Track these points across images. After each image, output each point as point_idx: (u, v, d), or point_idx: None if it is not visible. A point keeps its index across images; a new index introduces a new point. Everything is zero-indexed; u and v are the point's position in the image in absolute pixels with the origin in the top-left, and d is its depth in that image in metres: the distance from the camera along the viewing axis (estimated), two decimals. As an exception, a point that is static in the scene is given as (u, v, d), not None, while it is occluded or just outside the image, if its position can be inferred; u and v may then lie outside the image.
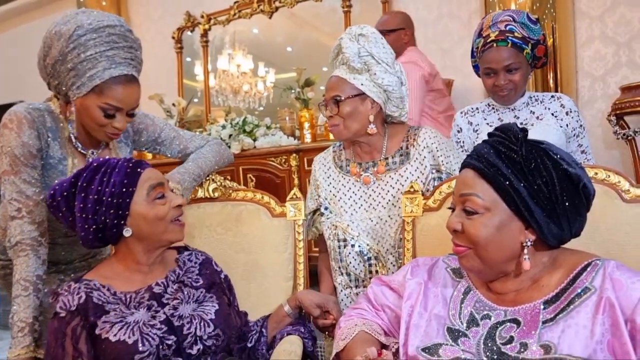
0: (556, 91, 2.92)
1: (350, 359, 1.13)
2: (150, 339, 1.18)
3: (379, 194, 1.65)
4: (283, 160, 3.55)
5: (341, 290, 1.67)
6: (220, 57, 4.53)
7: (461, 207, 1.03)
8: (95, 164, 1.26)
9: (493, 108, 1.96)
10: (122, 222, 1.24)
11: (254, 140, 3.77)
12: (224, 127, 3.93)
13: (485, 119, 1.96)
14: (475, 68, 1.96)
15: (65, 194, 1.24)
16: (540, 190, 0.96)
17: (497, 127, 1.05)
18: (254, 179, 3.66)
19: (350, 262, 1.65)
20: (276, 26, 4.32)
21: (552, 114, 1.86)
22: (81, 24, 1.31)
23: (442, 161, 1.59)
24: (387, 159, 1.65)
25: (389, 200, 1.62)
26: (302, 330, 1.44)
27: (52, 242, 1.49)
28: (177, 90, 4.73)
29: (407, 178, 1.60)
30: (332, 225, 1.67)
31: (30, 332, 1.34)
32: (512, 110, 1.91)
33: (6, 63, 6.17)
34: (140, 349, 1.15)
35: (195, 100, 4.53)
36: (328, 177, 1.74)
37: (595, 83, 3.08)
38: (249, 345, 1.40)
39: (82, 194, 1.22)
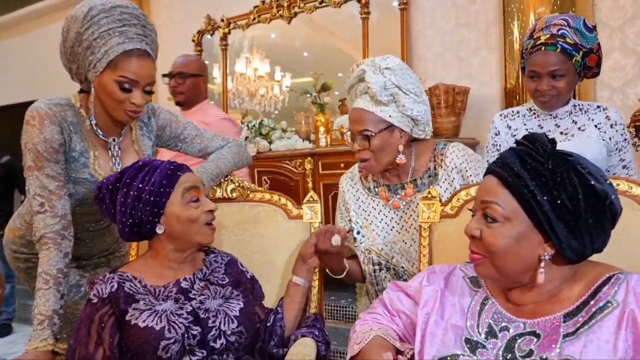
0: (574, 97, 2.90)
1: None
2: (176, 327, 1.22)
3: (410, 215, 1.64)
4: (298, 163, 3.57)
5: None
6: (238, 60, 4.56)
7: (481, 213, 1.02)
8: (141, 163, 1.35)
9: (534, 113, 1.87)
10: (157, 219, 1.31)
11: (270, 142, 3.79)
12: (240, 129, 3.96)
13: (525, 124, 1.88)
14: (523, 70, 1.87)
15: (110, 187, 1.32)
16: (564, 204, 0.93)
17: (525, 135, 1.03)
18: (268, 181, 3.68)
19: (387, 286, 1.65)
20: (294, 31, 4.34)
21: (595, 126, 1.77)
22: (94, 5, 1.37)
23: (472, 180, 1.57)
24: (415, 180, 1.63)
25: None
26: (317, 333, 1.44)
27: (75, 237, 1.51)
28: (195, 92, 4.77)
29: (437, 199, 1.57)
30: (365, 249, 1.67)
31: (49, 326, 1.36)
32: (554, 118, 1.83)
33: (24, 64, 6.28)
34: (167, 335, 1.20)
35: (212, 102, 4.56)
36: (357, 200, 1.72)
37: (614, 94, 3.06)
38: (268, 324, 1.43)
39: (125, 189, 1.29)
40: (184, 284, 1.34)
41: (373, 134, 1.53)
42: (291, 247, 1.64)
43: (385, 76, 1.51)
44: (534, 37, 1.75)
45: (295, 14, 4.22)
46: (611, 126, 1.77)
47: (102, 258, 1.75)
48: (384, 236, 1.66)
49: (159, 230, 1.32)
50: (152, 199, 1.29)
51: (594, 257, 1.02)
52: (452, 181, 1.59)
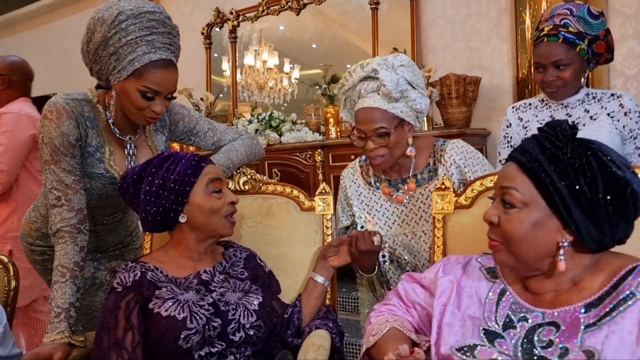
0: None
1: (381, 356, 1.11)
2: (198, 317, 1.23)
3: (411, 209, 1.67)
4: (308, 155, 3.57)
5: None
6: (247, 53, 4.56)
7: (500, 199, 1.02)
8: (166, 154, 1.37)
9: (546, 104, 1.87)
10: (180, 208, 1.33)
11: (280, 135, 3.79)
12: (250, 121, 3.96)
13: (536, 116, 1.89)
14: None
15: (135, 177, 1.34)
16: (582, 190, 0.92)
17: (547, 122, 1.03)
18: (279, 173, 3.68)
19: (391, 277, 1.72)
20: (302, 23, 4.32)
21: (608, 114, 1.76)
22: (123, 9, 1.35)
23: (470, 176, 1.61)
24: (415, 175, 1.66)
25: (421, 216, 1.65)
26: (331, 325, 1.45)
27: (89, 230, 1.52)
28: (205, 85, 4.77)
29: None
30: None
31: (65, 318, 1.37)
32: (565, 107, 1.82)
33: (36, 58, 6.29)
34: (189, 325, 1.21)
35: (221, 95, 4.57)
36: (360, 195, 1.75)
37: (628, 82, 3.02)
38: (285, 316, 1.44)
39: (150, 178, 1.31)
40: (204, 276, 1.35)
41: (391, 131, 1.56)
42: (304, 239, 1.64)
43: (398, 73, 1.53)
44: (539, 28, 1.77)
45: (304, 5, 4.20)
46: (625, 114, 1.75)
47: (116, 251, 1.77)
48: (387, 230, 1.70)
49: (182, 219, 1.33)
50: (176, 187, 1.31)
51: (618, 248, 1.01)
52: (451, 176, 1.63)
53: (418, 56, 3.60)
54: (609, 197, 0.91)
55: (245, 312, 1.31)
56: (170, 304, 1.24)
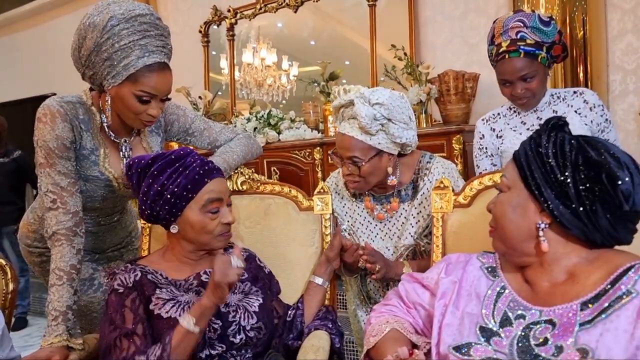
0: (586, 85, 2.86)
1: (381, 358, 1.11)
2: None
3: (394, 224, 1.68)
4: (307, 153, 3.56)
5: (365, 313, 1.76)
6: (245, 51, 4.54)
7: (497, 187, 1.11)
8: (174, 156, 1.31)
9: (515, 111, 1.92)
10: (173, 219, 1.30)
11: (279, 133, 3.78)
12: (249, 120, 3.95)
13: (508, 124, 1.92)
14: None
15: (139, 170, 1.32)
16: (552, 169, 0.97)
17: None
18: (278, 171, 3.67)
19: (371, 289, 1.73)
20: (301, 20, 4.31)
21: (575, 111, 1.81)
22: (114, 14, 1.33)
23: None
24: (399, 192, 1.66)
25: (403, 232, 1.65)
26: (330, 326, 1.45)
27: (86, 231, 1.51)
28: (203, 83, 4.76)
29: (420, 211, 1.62)
30: None
31: (63, 321, 1.36)
32: (535, 111, 1.87)
33: (35, 58, 6.29)
34: None
35: (220, 93, 4.56)
36: (344, 207, 1.75)
37: (627, 77, 3.00)
38: (288, 319, 1.44)
39: (150, 180, 1.29)
40: (204, 277, 1.34)
41: (363, 163, 1.52)
42: (302, 239, 1.63)
43: (375, 109, 1.48)
44: (495, 43, 1.78)
45: (302, 2, 4.18)
46: (590, 109, 1.80)
47: (115, 252, 1.76)
48: (370, 241, 1.69)
49: (173, 229, 1.32)
50: (172, 200, 1.27)
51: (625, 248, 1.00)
52: (429, 197, 1.61)
53: (416, 53, 3.59)
54: (579, 178, 0.95)
55: (246, 314, 1.30)
56: (171, 305, 1.23)
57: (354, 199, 1.74)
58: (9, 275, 1.64)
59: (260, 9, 4.41)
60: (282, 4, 4.27)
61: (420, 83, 3.19)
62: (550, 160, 0.98)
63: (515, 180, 1.04)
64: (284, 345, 1.40)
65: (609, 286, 0.94)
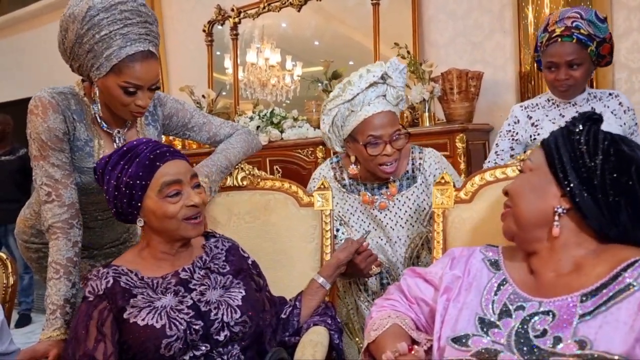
0: (591, 83, 2.84)
1: (380, 353, 1.10)
2: (177, 323, 1.18)
3: (386, 215, 1.68)
4: (309, 152, 3.55)
5: (362, 303, 1.75)
6: (249, 50, 4.54)
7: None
8: (124, 149, 1.27)
9: (554, 103, 1.96)
10: (136, 212, 1.25)
11: (281, 132, 3.77)
12: (251, 118, 3.95)
13: (547, 115, 1.96)
14: (538, 63, 1.97)
15: (101, 170, 1.28)
16: (581, 155, 0.98)
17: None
18: (280, 170, 3.66)
19: (368, 279, 1.72)
20: (304, 20, 4.30)
21: (612, 112, 1.87)
22: (93, 4, 1.30)
23: None
24: (395, 181, 1.67)
25: (397, 222, 1.65)
26: (329, 322, 1.43)
27: (84, 226, 1.51)
28: (207, 82, 4.76)
29: (414, 201, 1.64)
30: None
31: (61, 315, 1.36)
32: (574, 105, 1.91)
33: (38, 58, 6.32)
34: (168, 333, 1.16)
35: (224, 93, 4.55)
36: (334, 198, 1.72)
37: (633, 75, 2.98)
38: (283, 317, 1.41)
39: (107, 177, 1.25)
40: (183, 275, 1.29)
41: (407, 131, 1.58)
42: (302, 234, 1.63)
43: (403, 76, 1.56)
44: (549, 30, 1.85)
45: (305, 1, 4.17)
46: (624, 112, 1.89)
47: (113, 248, 1.75)
48: (362, 232, 1.70)
49: (139, 223, 1.27)
50: (127, 191, 1.22)
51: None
52: (429, 185, 1.65)
53: (420, 51, 3.57)
54: (607, 169, 0.95)
55: (228, 310, 1.25)
56: (147, 312, 1.18)
57: (344, 190, 1.73)
58: (10, 269, 1.64)
59: (264, 8, 4.41)
60: (285, 3, 4.27)
61: (423, 81, 3.17)
62: (581, 147, 0.99)
63: (541, 163, 1.05)
64: (281, 342, 1.38)
65: (611, 279, 0.93)
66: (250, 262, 1.44)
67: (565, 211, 1.00)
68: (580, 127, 1.02)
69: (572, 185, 0.98)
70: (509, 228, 1.09)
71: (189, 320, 1.20)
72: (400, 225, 1.66)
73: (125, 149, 1.26)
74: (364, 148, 1.56)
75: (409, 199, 1.64)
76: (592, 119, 1.03)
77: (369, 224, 1.69)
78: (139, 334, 1.16)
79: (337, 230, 1.71)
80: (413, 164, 1.68)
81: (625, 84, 3.00)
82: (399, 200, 1.65)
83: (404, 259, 1.67)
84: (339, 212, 1.73)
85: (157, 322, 1.17)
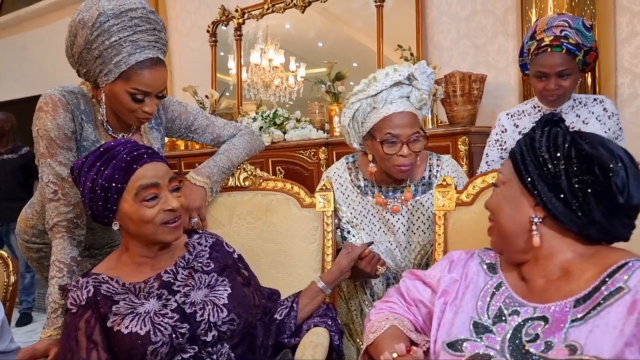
0: (594, 88, 2.84)
1: (379, 354, 1.10)
2: (162, 328, 1.16)
3: (398, 219, 1.67)
4: (312, 153, 3.55)
5: (367, 307, 1.75)
6: (252, 51, 4.55)
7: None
8: (101, 149, 1.24)
9: (540, 110, 1.96)
10: (111, 215, 1.22)
11: (284, 132, 3.78)
12: (254, 119, 3.95)
13: (533, 123, 1.94)
14: (523, 67, 1.98)
15: (77, 171, 1.25)
16: (544, 162, 0.98)
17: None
18: (283, 171, 3.67)
19: (375, 283, 1.73)
20: (308, 21, 4.31)
21: (596, 118, 1.88)
22: (103, 10, 1.30)
23: None
24: (410, 185, 1.67)
25: (409, 227, 1.64)
26: (330, 323, 1.43)
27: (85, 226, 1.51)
28: (210, 82, 4.77)
29: (428, 208, 1.63)
30: None
31: (62, 314, 1.36)
32: (559, 112, 1.90)
33: (43, 57, 6.34)
34: (153, 339, 1.14)
35: (227, 94, 4.56)
36: (347, 199, 1.73)
37: (636, 80, 2.97)
38: (278, 318, 1.38)
39: (83, 178, 1.23)
40: (165, 277, 1.26)
41: (425, 134, 1.57)
42: (304, 235, 1.63)
43: (429, 80, 1.56)
44: (537, 38, 1.84)
45: (309, 2, 4.18)
46: (609, 117, 1.91)
47: (113, 248, 1.75)
48: (372, 236, 1.69)
49: (115, 226, 1.23)
50: (103, 194, 1.19)
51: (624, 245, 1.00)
52: None
53: (423, 54, 3.57)
54: (571, 170, 0.94)
55: (215, 309, 1.22)
56: (130, 319, 1.15)
57: (358, 191, 1.72)
58: (11, 268, 1.64)
59: (268, 9, 4.41)
60: (289, 4, 4.28)
61: (426, 84, 3.17)
62: (543, 153, 0.98)
63: (511, 175, 1.04)
64: (279, 343, 1.38)
65: (601, 283, 0.93)
66: (236, 256, 1.41)
67: (541, 220, 1.00)
68: (540, 132, 1.01)
69: (541, 193, 0.98)
70: (495, 243, 1.10)
71: (173, 324, 1.17)
72: (412, 231, 1.65)
73: (102, 149, 1.23)
74: (381, 146, 1.54)
75: (423, 205, 1.63)
76: (551, 122, 1.03)
77: (380, 227, 1.68)
78: (123, 342, 1.13)
79: (348, 232, 1.71)
80: (430, 171, 1.67)
81: (628, 88, 3.00)
82: (413, 206, 1.64)
83: (412, 265, 1.66)
84: (351, 214, 1.71)
85: (141, 328, 1.14)
